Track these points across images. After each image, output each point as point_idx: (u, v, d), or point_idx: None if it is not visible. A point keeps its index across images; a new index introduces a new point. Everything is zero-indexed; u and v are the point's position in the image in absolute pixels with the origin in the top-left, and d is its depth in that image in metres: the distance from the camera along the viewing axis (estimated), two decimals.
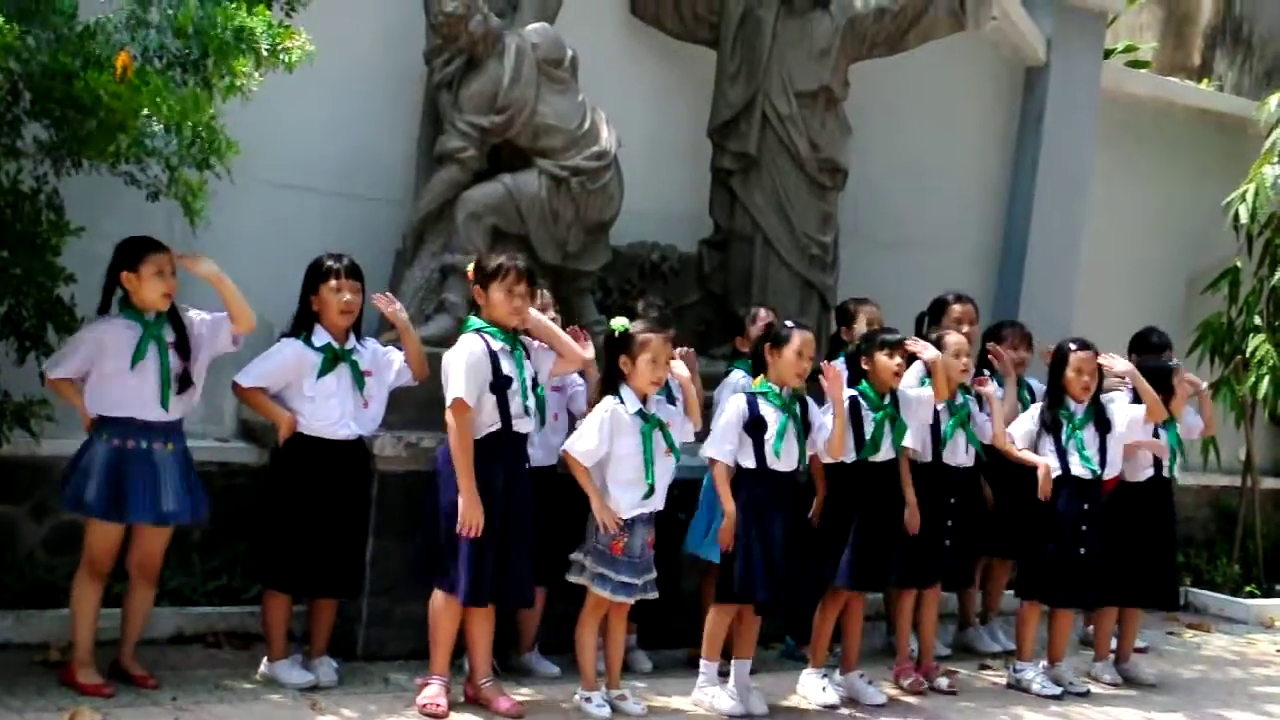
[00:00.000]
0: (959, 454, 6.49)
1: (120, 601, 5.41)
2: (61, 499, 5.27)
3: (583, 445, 5.54)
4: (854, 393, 6.15)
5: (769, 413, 5.81)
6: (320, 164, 6.64)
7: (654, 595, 5.68)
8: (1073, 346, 6.71)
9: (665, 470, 5.63)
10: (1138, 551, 6.84)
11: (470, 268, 5.59)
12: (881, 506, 6.19)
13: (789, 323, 5.99)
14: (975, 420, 6.57)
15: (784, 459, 5.81)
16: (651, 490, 5.56)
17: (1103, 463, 6.62)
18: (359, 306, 5.59)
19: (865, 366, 6.22)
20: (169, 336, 5.21)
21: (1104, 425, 6.65)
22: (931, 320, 7.22)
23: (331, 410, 5.52)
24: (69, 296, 5.40)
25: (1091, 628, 7.42)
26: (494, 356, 5.39)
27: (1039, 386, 7.19)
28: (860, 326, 6.89)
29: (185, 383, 5.23)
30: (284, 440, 5.50)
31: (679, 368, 5.80)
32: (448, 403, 5.34)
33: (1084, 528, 6.58)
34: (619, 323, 5.68)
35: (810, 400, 6.01)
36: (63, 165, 5.15)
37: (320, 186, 6.63)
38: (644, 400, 5.60)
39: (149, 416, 5.17)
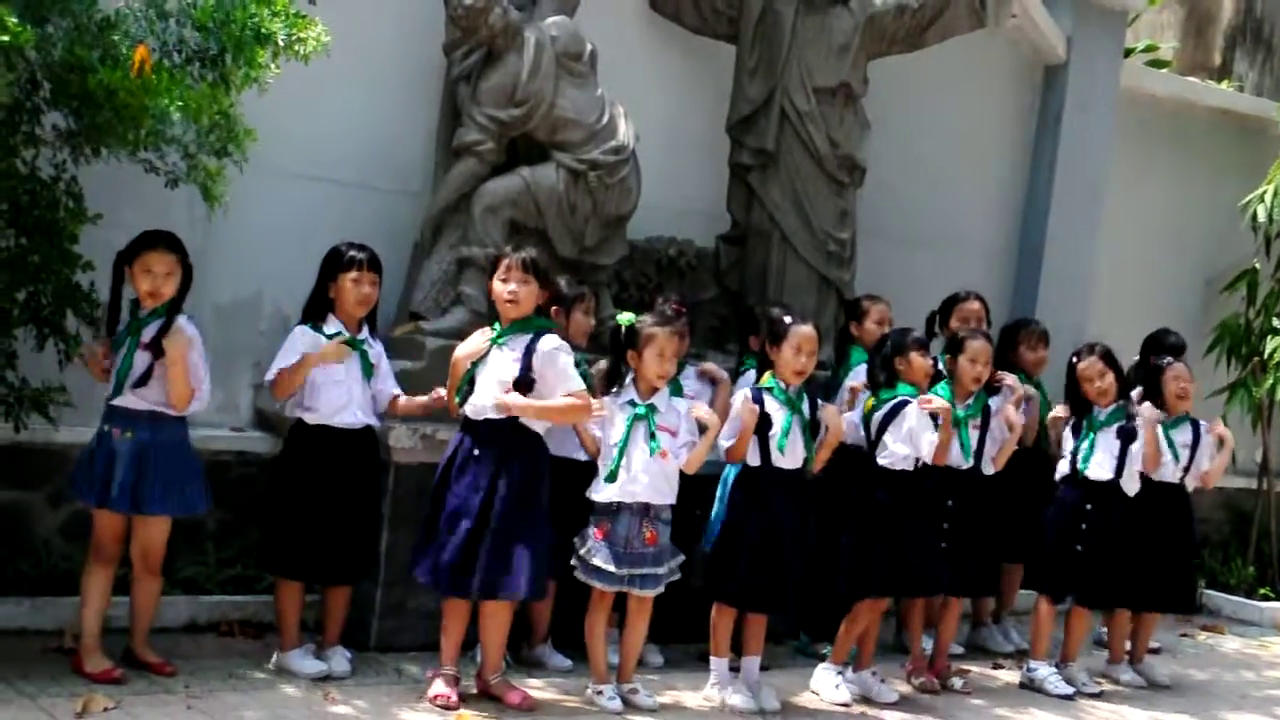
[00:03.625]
0: (953, 455, 6.30)
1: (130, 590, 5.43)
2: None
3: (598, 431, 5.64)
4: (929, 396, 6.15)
5: (774, 409, 5.79)
6: (338, 156, 6.63)
7: (645, 591, 5.59)
8: (1074, 359, 6.72)
9: (646, 463, 5.53)
10: (1155, 555, 6.80)
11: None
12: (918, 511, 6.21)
13: (787, 319, 5.92)
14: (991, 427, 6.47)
15: (789, 456, 5.81)
16: (613, 476, 5.54)
17: (1118, 471, 6.57)
18: (376, 299, 5.61)
19: (900, 368, 6.21)
20: (146, 335, 5.18)
21: (1128, 435, 6.58)
22: (942, 319, 7.20)
23: (339, 397, 5.52)
24: (88, 284, 5.40)
25: (1106, 629, 7.41)
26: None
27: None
28: (870, 323, 6.85)
29: (145, 379, 5.18)
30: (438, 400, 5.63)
31: (703, 411, 5.72)
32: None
33: (1084, 526, 6.57)
34: (625, 317, 5.69)
35: (818, 399, 6.00)
36: (81, 153, 5.15)
37: (338, 178, 6.62)
38: (652, 393, 5.60)
39: (113, 401, 5.22)
